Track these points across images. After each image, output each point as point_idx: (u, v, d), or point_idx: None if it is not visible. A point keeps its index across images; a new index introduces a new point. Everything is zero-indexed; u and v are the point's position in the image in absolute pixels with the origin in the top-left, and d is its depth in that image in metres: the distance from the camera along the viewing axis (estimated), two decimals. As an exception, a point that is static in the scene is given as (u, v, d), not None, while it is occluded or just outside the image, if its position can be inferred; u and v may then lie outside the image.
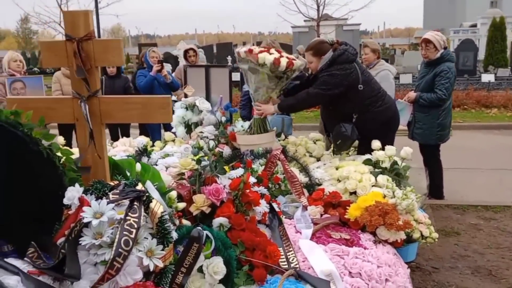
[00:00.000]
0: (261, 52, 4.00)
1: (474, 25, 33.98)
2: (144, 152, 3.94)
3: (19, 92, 6.19)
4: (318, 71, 4.21)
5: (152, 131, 7.05)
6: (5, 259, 2.08)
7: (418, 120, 5.53)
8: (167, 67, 8.73)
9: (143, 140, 4.34)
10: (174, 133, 4.80)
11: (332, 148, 4.41)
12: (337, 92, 4.05)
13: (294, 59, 4.06)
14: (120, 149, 4.10)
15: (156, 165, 3.82)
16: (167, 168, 3.68)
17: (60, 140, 4.62)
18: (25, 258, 2.10)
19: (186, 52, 7.75)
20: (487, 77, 17.90)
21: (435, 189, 5.54)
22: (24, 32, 66.04)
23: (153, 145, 4.66)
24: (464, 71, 19.00)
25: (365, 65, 5.87)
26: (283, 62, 3.94)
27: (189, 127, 4.70)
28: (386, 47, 46.10)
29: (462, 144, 8.74)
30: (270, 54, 3.99)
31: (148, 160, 3.93)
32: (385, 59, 20.93)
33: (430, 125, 5.44)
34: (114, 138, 6.74)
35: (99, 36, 18.04)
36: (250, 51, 4.01)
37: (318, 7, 15.22)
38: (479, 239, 4.38)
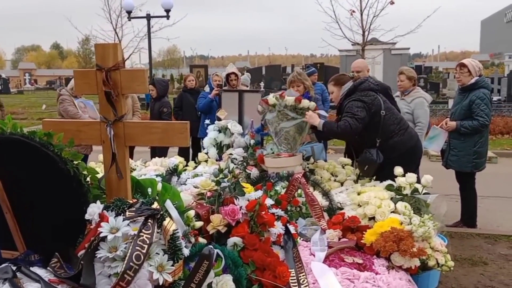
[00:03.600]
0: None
1: (532, 50, 32.95)
2: (174, 172, 4.14)
3: (83, 111, 6.78)
4: (339, 101, 4.40)
5: None
6: (31, 268, 2.30)
7: (453, 147, 5.46)
8: None
9: (175, 160, 4.54)
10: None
11: (357, 173, 4.48)
12: (366, 116, 4.17)
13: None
14: (152, 168, 4.32)
15: (185, 184, 4.01)
16: (195, 187, 3.86)
17: (100, 157, 4.92)
18: (48, 268, 2.31)
19: (228, 76, 7.96)
20: (539, 104, 17.26)
21: (468, 217, 5.46)
22: (85, 52, 69.07)
23: (187, 165, 4.87)
24: (515, 98, 18.40)
25: (400, 91, 5.93)
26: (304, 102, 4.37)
27: (220, 149, 4.88)
28: (439, 70, 45.26)
29: (508, 172, 8.49)
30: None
31: (178, 179, 4.12)
32: (435, 83, 20.46)
33: (466, 152, 5.37)
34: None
35: (150, 58, 18.78)
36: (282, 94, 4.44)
37: (364, 32, 15.20)
38: (507, 270, 4.27)
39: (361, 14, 15.06)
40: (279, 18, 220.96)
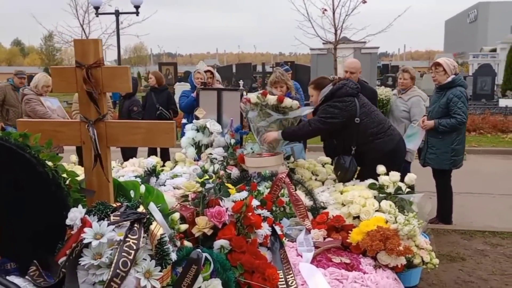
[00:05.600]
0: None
1: (494, 50, 33.76)
2: (152, 172, 4.02)
3: (52, 110, 6.60)
4: (318, 105, 4.39)
5: None
6: (7, 277, 2.16)
7: (431, 145, 5.50)
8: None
9: (153, 160, 4.42)
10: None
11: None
12: (336, 122, 4.20)
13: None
14: (129, 170, 4.19)
15: (164, 185, 3.91)
16: (174, 188, 3.76)
17: (73, 158, 4.75)
18: (27, 276, 2.18)
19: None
20: (505, 102, 17.75)
21: (444, 214, 5.52)
22: (48, 49, 67.41)
23: (163, 165, 4.76)
24: (482, 96, 18.86)
25: (399, 89, 6.02)
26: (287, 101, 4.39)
27: (199, 148, 4.78)
28: (406, 69, 46.00)
29: (477, 168, 8.66)
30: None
31: (156, 180, 4.01)
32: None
33: (444, 150, 5.41)
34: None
35: (119, 56, 18.43)
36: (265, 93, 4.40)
37: (336, 31, 15.27)
38: (484, 265, 4.34)
39: (333, 13, 15.12)
40: (249, 16, 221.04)
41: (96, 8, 17.74)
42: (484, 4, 60.05)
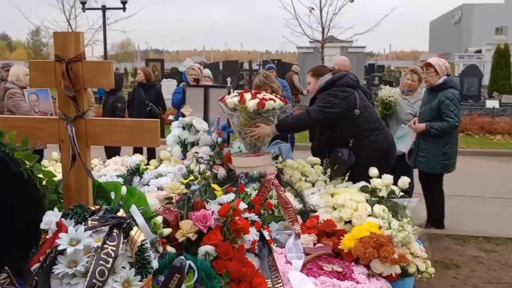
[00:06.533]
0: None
1: (479, 51, 33.99)
2: (136, 171, 3.86)
3: (35, 104, 6.31)
4: (316, 93, 4.24)
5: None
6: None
7: (422, 148, 5.37)
8: None
9: (137, 159, 4.25)
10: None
11: (328, 174, 4.34)
12: (335, 111, 4.04)
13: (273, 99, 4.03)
14: (112, 168, 4.02)
15: (148, 185, 3.75)
16: (158, 188, 3.60)
17: (55, 155, 4.57)
18: (-3, 285, 2.02)
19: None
20: (492, 103, 17.79)
21: (436, 219, 5.40)
22: (35, 43, 66.54)
23: (148, 164, 4.59)
24: (469, 96, 18.90)
25: (404, 89, 5.89)
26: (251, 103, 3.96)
27: (185, 147, 4.62)
28: (392, 69, 46.25)
29: (465, 170, 8.59)
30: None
31: (140, 180, 3.85)
32: (389, 82, 20.82)
33: (435, 153, 5.28)
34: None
35: (105, 51, 18.15)
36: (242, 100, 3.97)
37: (323, 29, 15.20)
38: (479, 273, 4.24)
39: (321, 12, 15.05)
40: (236, 13, 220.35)
41: (83, 3, 17.44)
42: (468, 6, 60.41)
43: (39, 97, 6.53)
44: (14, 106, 6.24)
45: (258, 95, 4.02)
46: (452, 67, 33.56)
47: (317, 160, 4.62)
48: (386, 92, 5.87)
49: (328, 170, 4.40)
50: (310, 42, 17.66)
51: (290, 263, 2.86)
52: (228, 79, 5.48)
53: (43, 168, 2.34)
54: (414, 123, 5.40)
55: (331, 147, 4.35)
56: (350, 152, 4.07)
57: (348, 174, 4.22)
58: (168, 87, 19.07)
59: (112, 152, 6.79)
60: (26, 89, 6.42)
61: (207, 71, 7.64)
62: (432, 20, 78.92)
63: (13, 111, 6.24)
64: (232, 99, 4.00)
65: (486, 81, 23.24)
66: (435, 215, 5.39)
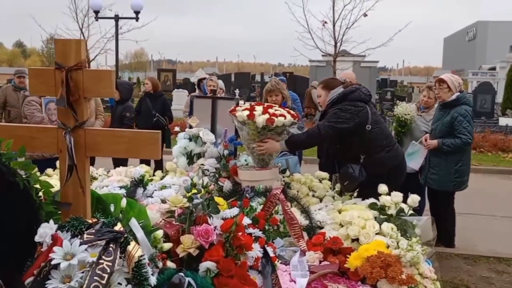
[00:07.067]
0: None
1: (493, 68, 33.73)
2: (140, 183, 3.80)
3: (52, 113, 6.27)
4: (326, 107, 4.16)
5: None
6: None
7: (433, 165, 5.26)
8: None
9: (141, 170, 4.19)
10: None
11: (336, 189, 4.26)
12: (346, 127, 3.95)
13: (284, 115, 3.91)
14: (115, 179, 3.96)
15: (152, 196, 3.68)
16: (162, 200, 3.53)
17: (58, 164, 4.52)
18: (-13, 299, 1.96)
19: (199, 81, 7.64)
20: (505, 121, 17.62)
21: (447, 237, 5.26)
22: (49, 51, 67.30)
23: (153, 175, 4.54)
24: (482, 114, 18.72)
25: (420, 105, 5.85)
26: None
27: (191, 159, 4.56)
28: (404, 84, 46.03)
29: (477, 188, 8.40)
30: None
31: (144, 191, 3.79)
32: (402, 97, 20.68)
33: (448, 171, 5.17)
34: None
35: (117, 60, 18.23)
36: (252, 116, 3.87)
37: (336, 43, 15.16)
38: (490, 295, 4.13)
39: (334, 25, 15.02)
40: (249, 25, 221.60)
41: (96, 12, 17.55)
42: (483, 23, 60.32)
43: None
44: (28, 115, 6.25)
45: (269, 110, 3.94)
46: (466, 84, 33.42)
47: (325, 175, 4.53)
48: (402, 109, 5.77)
49: (337, 186, 4.31)
50: (322, 55, 17.62)
51: (294, 282, 2.77)
52: (237, 91, 5.43)
53: (40, 178, 2.27)
54: (426, 140, 5.29)
55: (341, 163, 4.26)
56: (361, 168, 3.98)
57: (357, 190, 4.12)
58: (179, 98, 19.13)
59: (119, 162, 6.75)
60: (44, 97, 6.41)
61: (220, 83, 7.61)
62: (446, 36, 78.80)
63: (28, 119, 6.26)
64: (242, 112, 3.93)
65: (499, 98, 23.02)
66: (445, 234, 5.25)
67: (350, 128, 3.96)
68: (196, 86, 8.15)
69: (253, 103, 4.15)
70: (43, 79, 2.27)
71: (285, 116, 3.89)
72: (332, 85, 4.21)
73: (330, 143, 4.42)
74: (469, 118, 5.11)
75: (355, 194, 4.11)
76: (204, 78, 7.55)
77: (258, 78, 28.59)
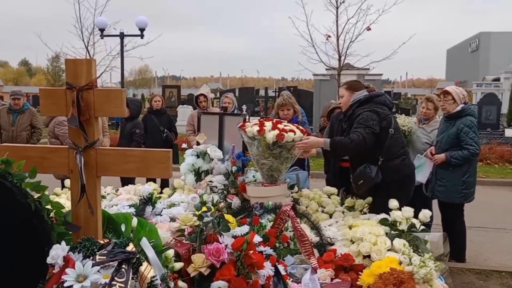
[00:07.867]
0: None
1: (497, 79, 33.67)
2: (148, 201, 3.78)
3: None
4: (348, 108, 4.19)
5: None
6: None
7: (440, 177, 5.23)
8: None
9: (150, 188, 4.18)
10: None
11: (345, 204, 4.23)
12: (375, 130, 3.97)
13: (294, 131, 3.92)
14: (124, 197, 3.95)
15: (161, 215, 3.66)
16: (171, 219, 3.51)
17: (67, 183, 4.52)
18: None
19: (197, 98, 7.57)
20: (511, 132, 17.52)
21: (457, 251, 5.19)
22: (54, 69, 67.67)
23: (161, 192, 4.52)
24: (487, 125, 18.63)
25: (421, 118, 5.89)
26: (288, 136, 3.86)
27: (199, 175, 4.54)
28: (408, 97, 46.02)
29: (484, 201, 8.35)
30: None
31: (152, 209, 3.77)
32: (406, 109, 20.58)
33: (455, 182, 5.14)
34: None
35: (122, 77, 18.34)
36: (261, 130, 3.87)
37: (340, 57, 15.18)
38: (503, 312, 4.05)
39: (337, 39, 15.04)
40: (253, 40, 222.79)
41: (101, 30, 17.69)
42: (486, 34, 60.45)
43: None
44: (61, 135, 6.27)
45: (278, 125, 3.93)
46: (470, 95, 33.37)
47: (334, 190, 4.51)
48: (400, 121, 5.77)
49: (346, 201, 4.28)
50: (326, 69, 17.62)
51: (306, 300, 2.73)
52: (244, 107, 5.45)
53: (51, 199, 2.27)
54: (432, 154, 5.27)
55: (355, 164, 4.25)
56: (378, 170, 3.99)
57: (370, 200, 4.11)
58: (184, 113, 19.15)
59: (127, 180, 6.74)
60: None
61: (230, 96, 7.59)
62: (449, 48, 78.98)
63: (59, 139, 6.27)
64: (252, 128, 3.93)
65: (504, 109, 22.94)
66: (456, 247, 5.19)
67: (376, 130, 3.99)
68: (194, 103, 8.10)
69: (262, 119, 4.16)
70: (54, 99, 2.28)
71: (294, 132, 3.89)
72: (356, 87, 4.25)
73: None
74: (475, 129, 5.11)
75: (365, 209, 4.08)
76: (201, 95, 7.48)
77: (262, 92, 28.67)
